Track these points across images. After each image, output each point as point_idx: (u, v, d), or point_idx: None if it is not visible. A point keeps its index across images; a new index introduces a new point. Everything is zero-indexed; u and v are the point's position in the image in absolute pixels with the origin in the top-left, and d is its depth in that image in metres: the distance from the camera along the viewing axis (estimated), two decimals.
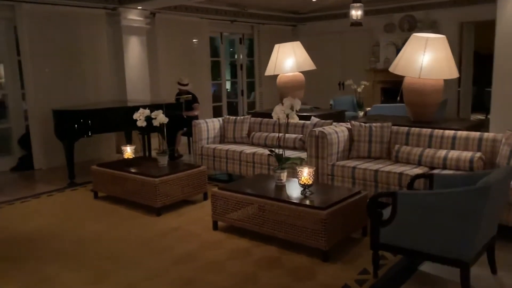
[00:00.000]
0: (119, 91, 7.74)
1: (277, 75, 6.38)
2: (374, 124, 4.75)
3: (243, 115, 6.70)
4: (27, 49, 6.55)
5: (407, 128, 4.60)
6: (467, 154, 4.02)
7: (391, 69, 4.99)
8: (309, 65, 6.19)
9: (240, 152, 5.35)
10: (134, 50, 7.80)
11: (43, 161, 6.75)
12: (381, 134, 4.65)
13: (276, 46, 6.26)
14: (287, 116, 3.81)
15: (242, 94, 10.86)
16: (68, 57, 7.03)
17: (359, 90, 8.47)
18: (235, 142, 5.93)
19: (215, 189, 3.94)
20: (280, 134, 5.04)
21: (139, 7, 7.56)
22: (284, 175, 3.87)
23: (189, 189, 4.63)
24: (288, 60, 6.12)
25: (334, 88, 11.15)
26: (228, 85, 11.42)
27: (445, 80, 4.90)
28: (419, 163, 4.28)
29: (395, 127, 4.67)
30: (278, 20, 10.97)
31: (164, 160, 4.77)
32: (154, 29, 8.23)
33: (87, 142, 6.35)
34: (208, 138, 5.89)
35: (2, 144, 6.95)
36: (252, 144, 5.71)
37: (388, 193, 2.88)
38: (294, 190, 3.71)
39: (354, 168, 4.34)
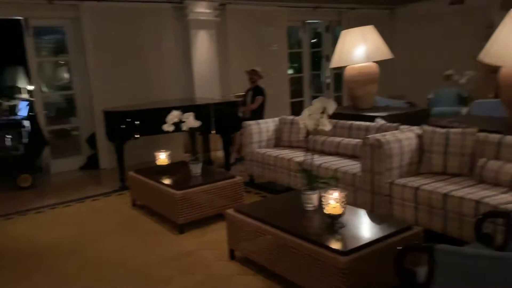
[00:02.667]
0: (187, 89, 7.42)
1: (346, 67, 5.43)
2: (453, 129, 3.62)
3: None
4: (91, 48, 6.52)
5: (499, 136, 3.39)
6: None
7: (480, 58, 3.77)
8: (383, 53, 5.11)
9: (289, 160, 4.57)
10: (202, 44, 7.40)
11: (107, 161, 6.70)
12: (462, 144, 3.51)
13: (343, 32, 5.30)
14: (317, 123, 2.97)
15: (328, 88, 9.91)
16: (133, 54, 6.87)
17: (462, 81, 7.02)
18: (290, 147, 5.15)
19: (231, 210, 3.25)
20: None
21: None
22: (313, 198, 3.04)
23: (221, 202, 4.01)
24: (357, 48, 5.12)
25: (438, 79, 9.60)
26: (309, 78, 10.54)
27: None
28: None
29: (482, 134, 3.49)
30: (371, 4, 9.73)
31: (197, 169, 4.21)
32: (225, 21, 7.73)
33: (152, 142, 6.08)
34: (260, 142, 5.21)
35: (72, 143, 7.10)
36: (309, 150, 4.88)
37: (421, 247, 1.93)
38: (320, 220, 2.87)
39: (417, 189, 3.31)
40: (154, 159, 4.46)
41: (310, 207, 3.04)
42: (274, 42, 8.49)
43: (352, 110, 5.33)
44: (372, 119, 4.68)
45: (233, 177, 4.16)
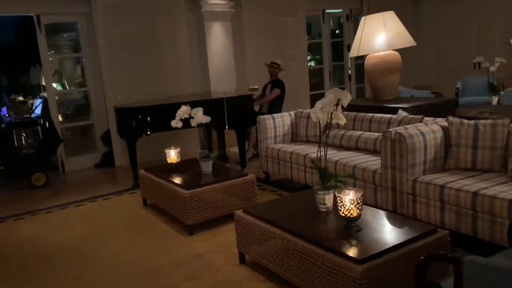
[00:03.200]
0: (203, 83, 7.24)
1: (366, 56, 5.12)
2: (482, 121, 3.30)
3: None
4: (104, 44, 6.40)
5: None
6: None
7: None
8: (406, 41, 4.78)
9: (305, 156, 4.32)
10: (217, 37, 7.19)
11: (122, 158, 6.58)
12: (493, 136, 3.19)
13: (363, 19, 4.98)
14: (331, 116, 2.71)
15: (350, 79, 9.56)
16: (147, 49, 6.71)
17: (492, 69, 6.59)
18: (307, 142, 4.90)
19: (239, 211, 3.04)
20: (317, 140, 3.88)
21: None
22: (328, 198, 2.79)
23: (233, 202, 3.81)
24: (378, 36, 4.80)
25: (468, 67, 9.12)
26: (330, 69, 10.22)
27: None
28: None
29: None
30: None
31: (207, 166, 4.01)
32: (240, 12, 7.49)
33: (168, 138, 5.92)
34: (275, 137, 4.97)
35: (87, 141, 7.02)
36: (327, 145, 4.62)
37: (447, 258, 1.67)
38: (334, 223, 2.62)
39: (443, 187, 3.01)
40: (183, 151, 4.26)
41: (324, 208, 2.79)
42: (292, 33, 8.20)
43: (373, 101, 5.03)
44: (394, 111, 4.38)
45: (245, 175, 3.95)
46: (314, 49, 10.39)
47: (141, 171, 4.50)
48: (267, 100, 6.21)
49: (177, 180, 3.91)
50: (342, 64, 9.68)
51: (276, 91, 6.21)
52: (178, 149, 4.32)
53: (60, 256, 3.50)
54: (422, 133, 3.31)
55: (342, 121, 2.71)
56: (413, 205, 3.23)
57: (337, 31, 10.37)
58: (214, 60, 7.16)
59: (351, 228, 2.48)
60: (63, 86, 7.80)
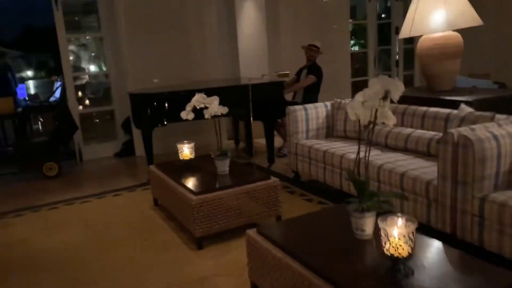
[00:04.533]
0: (232, 67, 6.60)
1: (419, 38, 4.30)
2: None
3: None
4: (125, 23, 5.87)
5: None
6: None
7: None
8: (470, 19, 3.92)
9: (342, 157, 3.60)
10: (249, 16, 6.50)
11: (143, 147, 6.09)
12: None
13: None
14: (376, 113, 2.00)
15: (397, 65, 8.62)
16: (171, 30, 6.14)
17: None
18: (345, 138, 4.18)
19: (252, 230, 2.39)
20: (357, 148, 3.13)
21: None
22: (368, 223, 2.09)
23: (251, 210, 3.18)
24: (435, 13, 3.97)
25: None
26: (375, 54, 9.31)
27: None
28: None
29: None
30: None
31: (223, 166, 3.39)
32: None
33: (193, 126, 5.35)
34: (307, 131, 4.28)
35: (107, 128, 6.57)
36: (368, 143, 3.88)
37: None
38: (375, 260, 1.93)
39: None
40: (201, 143, 3.64)
41: (362, 235, 2.10)
42: (334, 13, 7.38)
43: (426, 92, 4.21)
44: (453, 104, 3.59)
45: (267, 178, 3.29)
46: (358, 33, 9.53)
47: (151, 167, 3.95)
48: (299, 86, 5.49)
49: (187, 181, 3.31)
50: (387, 49, 8.78)
51: (311, 78, 5.47)
52: (192, 144, 3.71)
53: (48, 267, 3.00)
54: (495, 137, 2.53)
55: (391, 120, 1.99)
56: (479, 230, 2.48)
57: (382, 15, 9.46)
58: (244, 43, 6.50)
59: (397, 271, 1.78)
60: (81, 69, 7.40)
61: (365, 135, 3.67)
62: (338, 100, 4.34)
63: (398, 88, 1.96)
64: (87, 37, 7.83)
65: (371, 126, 2.04)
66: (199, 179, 3.38)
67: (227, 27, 6.54)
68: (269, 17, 6.65)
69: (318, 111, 4.31)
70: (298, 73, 5.80)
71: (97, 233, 3.52)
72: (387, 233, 1.77)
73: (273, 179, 3.28)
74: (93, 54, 9.20)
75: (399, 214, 1.82)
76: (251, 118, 4.54)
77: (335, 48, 7.41)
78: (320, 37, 6.85)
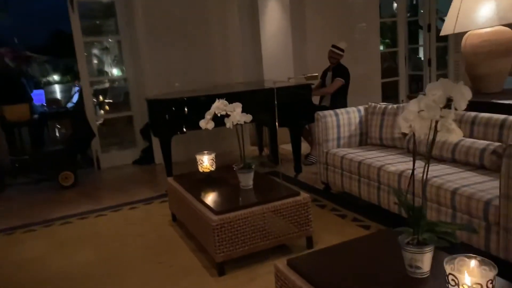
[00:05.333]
0: (255, 70, 6.27)
1: (464, 35, 3.86)
2: None
3: (409, 97, 4.44)
4: (144, 26, 5.61)
5: None
6: None
7: None
8: None
9: (379, 169, 3.21)
10: (273, 16, 6.18)
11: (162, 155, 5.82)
12: None
13: None
14: (435, 126, 1.62)
15: (430, 64, 8.13)
16: (192, 32, 5.85)
17: None
18: (381, 146, 3.78)
19: (282, 263, 2.03)
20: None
21: None
22: (425, 259, 1.71)
23: (279, 230, 2.83)
24: (483, 7, 3.53)
25: None
26: (406, 53, 8.84)
27: None
28: None
29: None
30: None
31: (247, 180, 3.05)
32: None
33: (213, 131, 5.04)
34: (339, 139, 3.90)
35: (126, 135, 6.33)
36: (409, 151, 3.49)
37: None
38: None
39: None
40: (221, 150, 3.32)
41: (416, 273, 1.72)
42: (362, 12, 6.96)
43: (472, 95, 3.77)
44: (505, 108, 3.16)
45: (296, 193, 2.93)
46: (383, 31, 9.08)
47: (169, 180, 3.63)
48: (327, 92, 5.11)
49: (207, 197, 2.98)
50: (415, 48, 8.31)
51: (339, 81, 5.08)
52: (213, 155, 3.38)
53: None
54: None
55: (455, 135, 1.61)
56: None
57: (408, 14, 8.98)
58: (268, 44, 6.18)
59: None
60: (99, 73, 7.20)
61: (406, 144, 3.23)
62: (372, 104, 3.95)
63: (464, 95, 1.58)
64: (109, 40, 7.62)
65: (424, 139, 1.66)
66: (220, 195, 3.05)
67: (250, 28, 6.22)
68: (293, 17, 6.28)
69: (350, 116, 3.93)
70: (323, 76, 5.42)
71: (110, 254, 3.23)
72: (457, 280, 1.39)
73: (303, 195, 2.92)
74: (115, 58, 9.04)
75: (471, 256, 1.44)
76: (277, 125, 4.18)
77: (364, 47, 7.01)
78: (348, 37, 6.45)
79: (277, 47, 6.20)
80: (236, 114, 2.88)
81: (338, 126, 3.87)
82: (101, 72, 12.87)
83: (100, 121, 6.81)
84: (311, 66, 6.32)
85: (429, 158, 1.76)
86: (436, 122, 1.62)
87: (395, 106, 3.74)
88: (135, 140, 6.17)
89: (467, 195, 2.50)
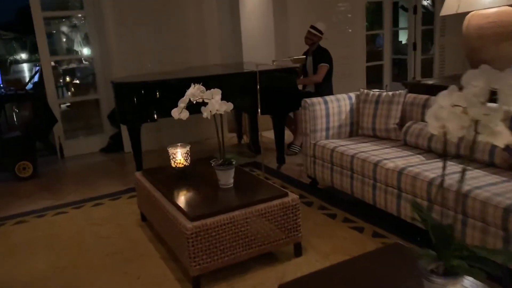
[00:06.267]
0: (234, 50, 5.81)
1: (466, 16, 3.52)
2: None
3: (404, 84, 4.12)
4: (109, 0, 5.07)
5: None
6: None
7: None
8: None
9: (376, 165, 2.86)
10: None
11: None
12: None
13: None
14: (475, 130, 1.25)
15: (415, 48, 7.83)
16: (163, 7, 5.34)
17: None
18: (374, 137, 3.44)
19: None
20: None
21: None
22: None
23: (265, 237, 2.45)
24: None
25: None
26: (404, 36, 8.57)
27: None
28: None
29: None
30: None
31: (227, 178, 2.65)
32: None
33: (191, 117, 4.61)
34: (328, 129, 3.53)
35: (92, 120, 5.81)
36: (405, 144, 3.15)
37: None
38: None
39: None
40: (195, 138, 2.87)
41: None
42: None
43: None
44: None
45: (284, 194, 2.55)
46: (372, 12, 8.75)
47: (137, 175, 3.20)
48: (316, 80, 4.71)
49: (180, 199, 2.58)
50: (395, 31, 8.01)
51: (325, 67, 4.69)
52: (187, 148, 2.96)
53: None
54: None
55: (503, 138, 1.24)
56: None
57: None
58: (248, 23, 5.71)
59: None
60: (69, 52, 6.61)
61: (401, 134, 2.90)
62: (364, 91, 3.59)
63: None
64: (74, 16, 7.01)
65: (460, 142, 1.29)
66: (196, 196, 2.64)
67: (228, 4, 5.73)
68: None
69: (340, 104, 3.56)
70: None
71: (68, 261, 2.79)
72: None
73: (292, 195, 2.54)
74: (86, 35, 8.39)
75: None
76: (259, 112, 3.78)
77: (348, 29, 6.65)
78: (331, 17, 6.08)
79: (257, 26, 5.75)
80: (215, 102, 2.46)
81: (328, 115, 3.49)
82: (71, 51, 12.11)
83: (68, 104, 6.28)
84: (294, 47, 5.91)
85: (465, 170, 1.38)
86: (477, 121, 1.25)
87: (390, 93, 3.39)
88: (103, 126, 5.66)
89: (482, 200, 2.16)
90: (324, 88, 4.71)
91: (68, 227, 3.33)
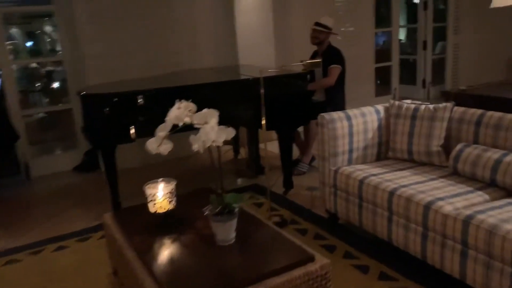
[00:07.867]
0: (228, 53, 5.07)
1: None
2: None
3: (445, 94, 3.40)
4: None
5: None
6: None
7: None
8: None
9: (428, 207, 2.12)
10: None
11: None
12: None
13: None
14: None
15: (425, 47, 7.15)
16: (148, 3, 4.58)
17: None
18: (410, 162, 2.71)
19: None
20: None
21: None
22: None
23: None
24: None
25: None
26: (402, 34, 7.89)
27: None
28: None
29: None
30: None
31: (226, 232, 1.89)
32: None
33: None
34: (351, 151, 2.79)
35: (64, 133, 5.03)
36: (456, 173, 2.42)
37: None
38: None
39: None
40: (189, 151, 2.10)
41: None
42: None
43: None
44: None
45: (309, 258, 1.80)
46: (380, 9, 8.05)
47: (106, 218, 2.42)
48: (328, 83, 3.96)
49: (160, 269, 1.81)
50: (413, 28, 7.35)
51: (337, 69, 3.96)
52: (173, 185, 2.18)
53: None
54: None
55: None
56: None
57: None
58: (244, 21, 4.99)
59: None
60: (25, 56, 5.81)
61: (452, 162, 2.11)
62: (396, 102, 2.86)
63: None
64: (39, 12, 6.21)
65: None
66: (182, 260, 1.88)
67: (222, 3, 5.00)
68: None
69: (366, 120, 2.82)
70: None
71: None
72: None
73: (320, 260, 1.79)
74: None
75: None
76: (263, 127, 3.02)
77: (356, 28, 5.94)
78: (338, 16, 5.36)
79: (255, 26, 5.03)
80: (210, 129, 1.71)
81: (351, 134, 2.76)
82: (54, 52, 11.20)
83: (36, 116, 5.49)
84: (296, 50, 5.18)
85: None
86: None
87: (431, 107, 2.66)
88: (76, 141, 4.87)
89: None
90: (337, 97, 4.00)
91: (18, 285, 2.56)
